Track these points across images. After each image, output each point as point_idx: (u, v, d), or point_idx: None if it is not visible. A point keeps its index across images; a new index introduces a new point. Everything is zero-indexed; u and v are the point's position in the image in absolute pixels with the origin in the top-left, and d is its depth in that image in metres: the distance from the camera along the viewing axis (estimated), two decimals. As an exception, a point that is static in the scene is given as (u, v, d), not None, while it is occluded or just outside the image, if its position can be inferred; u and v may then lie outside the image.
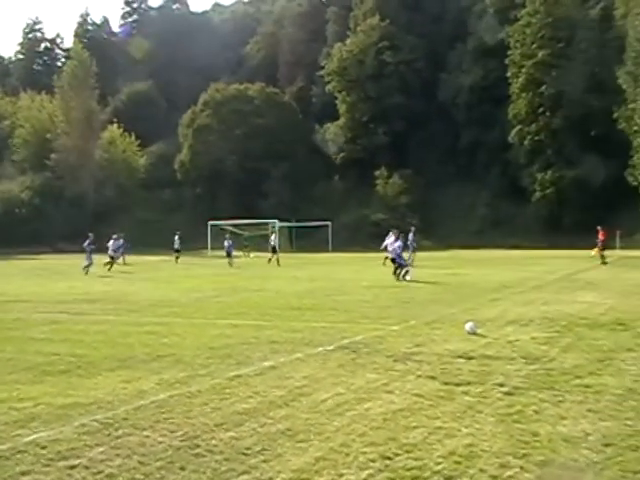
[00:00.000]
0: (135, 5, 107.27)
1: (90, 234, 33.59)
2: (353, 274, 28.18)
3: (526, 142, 55.03)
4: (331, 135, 70.58)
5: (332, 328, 12.61)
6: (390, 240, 25.39)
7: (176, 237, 41.89)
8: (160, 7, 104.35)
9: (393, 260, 24.35)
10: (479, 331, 11.64)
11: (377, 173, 62.75)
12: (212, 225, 52.91)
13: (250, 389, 8.04)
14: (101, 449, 5.94)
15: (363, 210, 60.60)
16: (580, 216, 48.16)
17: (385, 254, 27.17)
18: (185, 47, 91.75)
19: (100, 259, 33.86)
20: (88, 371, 9.18)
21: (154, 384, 8.41)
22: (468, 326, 11.70)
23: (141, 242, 56.24)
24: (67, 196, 69.07)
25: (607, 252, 31.97)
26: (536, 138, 54.33)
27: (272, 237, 39.20)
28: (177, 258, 40.83)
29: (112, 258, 34.35)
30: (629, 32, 44.76)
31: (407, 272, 23.56)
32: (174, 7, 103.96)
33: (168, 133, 78.04)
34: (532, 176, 54.57)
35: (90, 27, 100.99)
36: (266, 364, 9.44)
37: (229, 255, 37.03)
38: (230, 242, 37.54)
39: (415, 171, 63.31)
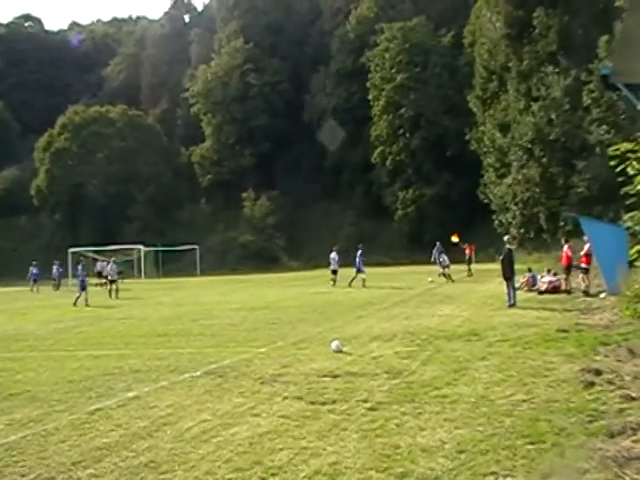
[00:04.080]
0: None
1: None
2: (221, 297, 27.91)
3: (388, 162, 56.90)
4: (197, 158, 69.97)
5: (199, 353, 12.44)
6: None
7: (32, 268, 41.11)
8: (10, 23, 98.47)
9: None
10: (345, 349, 11.87)
11: (244, 195, 62.75)
12: (73, 252, 50.56)
13: (111, 422, 7.74)
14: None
15: (231, 232, 60.29)
16: (439, 232, 50.26)
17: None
18: (39, 67, 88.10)
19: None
20: None
21: (3, 425, 7.90)
22: (334, 345, 11.91)
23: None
24: None
25: (459, 267, 33.28)
26: (397, 158, 56.31)
27: (110, 266, 35.00)
28: (31, 289, 39.68)
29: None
30: (476, 59, 47.71)
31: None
32: (26, 24, 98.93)
33: (23, 157, 74.17)
34: (394, 195, 56.43)
35: None
36: (129, 395, 9.16)
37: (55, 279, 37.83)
38: (60, 268, 35.65)
39: (282, 192, 64.03)
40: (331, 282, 30.19)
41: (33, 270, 41.02)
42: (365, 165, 59.15)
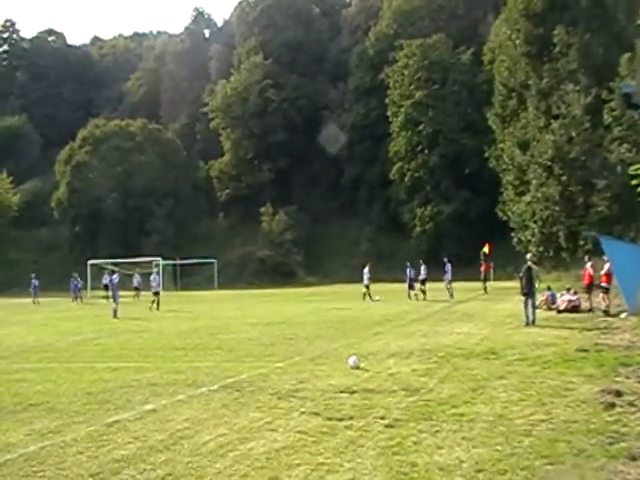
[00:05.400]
0: (5, 35, 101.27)
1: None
2: (238, 312, 27.98)
3: (406, 179, 56.95)
4: (215, 172, 70.41)
5: (216, 368, 12.46)
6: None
7: (33, 280, 41.92)
8: (34, 38, 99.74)
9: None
10: (362, 365, 11.84)
11: (262, 210, 62.97)
12: (92, 265, 50.99)
13: (129, 434, 7.78)
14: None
15: (248, 247, 60.40)
16: (457, 249, 50.24)
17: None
18: (62, 81, 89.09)
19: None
20: (-50, 425, 8.56)
21: (23, 435, 7.96)
22: (351, 360, 11.88)
23: (15, 283, 53.57)
24: None
25: (473, 284, 33.56)
26: (415, 175, 56.34)
27: (152, 276, 34.95)
28: (33, 301, 40.49)
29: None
30: (496, 77, 47.70)
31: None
32: (49, 39, 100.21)
33: (44, 170, 74.97)
34: (412, 211, 56.43)
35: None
36: (147, 408, 9.19)
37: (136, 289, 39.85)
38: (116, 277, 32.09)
39: (300, 207, 64.16)
40: (363, 296, 31.32)
41: (34, 282, 41.61)
42: (383, 181, 59.21)
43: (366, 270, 32.25)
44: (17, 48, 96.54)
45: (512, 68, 44.73)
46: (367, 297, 31.09)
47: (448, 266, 32.25)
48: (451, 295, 30.50)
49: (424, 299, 30.18)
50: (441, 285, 32.47)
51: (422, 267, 32.14)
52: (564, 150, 37.94)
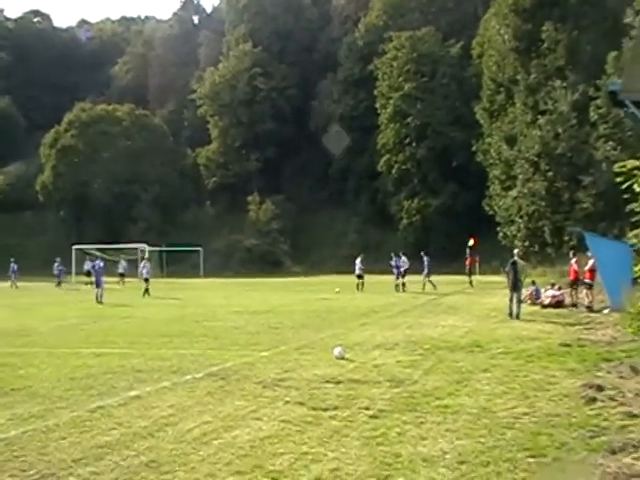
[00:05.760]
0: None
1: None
2: (224, 300, 27.92)
3: (394, 171, 56.79)
4: (203, 160, 70.04)
5: (201, 355, 12.46)
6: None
7: (12, 264, 42.05)
8: (18, 19, 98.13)
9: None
10: (347, 355, 11.88)
11: (249, 199, 62.59)
12: (77, 249, 50.62)
13: (113, 420, 7.76)
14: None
15: (235, 235, 60.05)
16: (444, 242, 50.43)
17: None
18: (47, 63, 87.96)
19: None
20: None
21: (5, 420, 7.92)
22: (337, 351, 11.92)
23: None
24: None
25: (459, 278, 34.12)
26: (403, 167, 56.14)
27: (142, 263, 35.80)
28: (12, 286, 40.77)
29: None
30: (484, 71, 47.74)
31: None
32: (35, 20, 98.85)
33: (28, 153, 74.12)
34: (399, 204, 56.33)
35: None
36: (131, 394, 9.18)
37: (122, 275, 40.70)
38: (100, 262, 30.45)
39: (288, 197, 63.91)
40: (357, 287, 31.65)
41: (13, 266, 41.59)
42: (371, 173, 58.99)
43: (358, 261, 32.69)
44: (1, 28, 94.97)
45: (500, 63, 44.83)
46: (360, 288, 31.36)
47: (426, 259, 32.08)
48: (433, 286, 30.69)
49: (404, 291, 30.30)
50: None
51: (402, 259, 32.18)
52: (550, 146, 38.16)
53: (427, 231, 54.22)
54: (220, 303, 26.02)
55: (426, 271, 31.74)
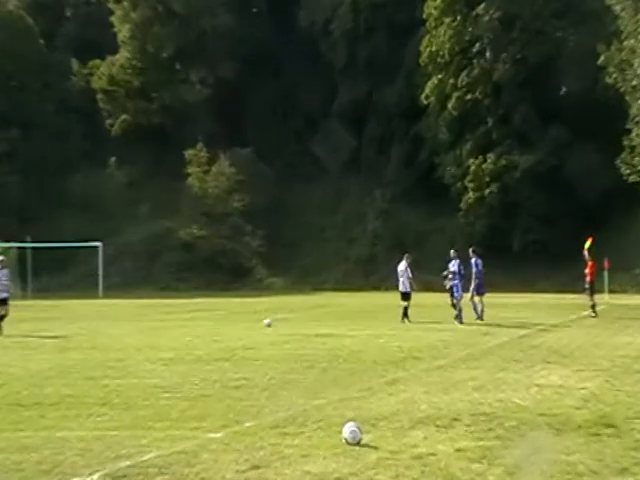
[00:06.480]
0: None
1: None
2: (143, 337, 18.66)
3: (450, 104, 40.06)
4: (102, 82, 47.86)
5: (99, 440, 7.66)
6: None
7: None
8: None
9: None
10: (366, 439, 7.58)
11: (190, 153, 43.42)
12: None
13: None
14: None
15: (164, 221, 41.10)
16: (541, 233, 37.11)
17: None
18: None
19: None
20: None
21: None
22: (347, 430, 7.78)
23: None
24: None
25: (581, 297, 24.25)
26: (467, 98, 39.62)
27: None
28: None
29: None
30: None
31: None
32: None
33: None
34: (460, 164, 40.43)
35: None
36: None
37: None
38: None
39: (258, 152, 44.74)
40: (403, 316, 20.23)
41: None
42: (408, 109, 41.79)
43: (403, 265, 20.83)
44: None
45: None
46: (405, 316, 20.10)
47: (474, 262, 20.90)
48: (475, 310, 20.62)
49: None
50: (503, 297, 25.42)
51: (453, 261, 20.60)
52: None
53: (509, 213, 37.61)
54: (135, 343, 17.11)
55: (475, 284, 20.73)
